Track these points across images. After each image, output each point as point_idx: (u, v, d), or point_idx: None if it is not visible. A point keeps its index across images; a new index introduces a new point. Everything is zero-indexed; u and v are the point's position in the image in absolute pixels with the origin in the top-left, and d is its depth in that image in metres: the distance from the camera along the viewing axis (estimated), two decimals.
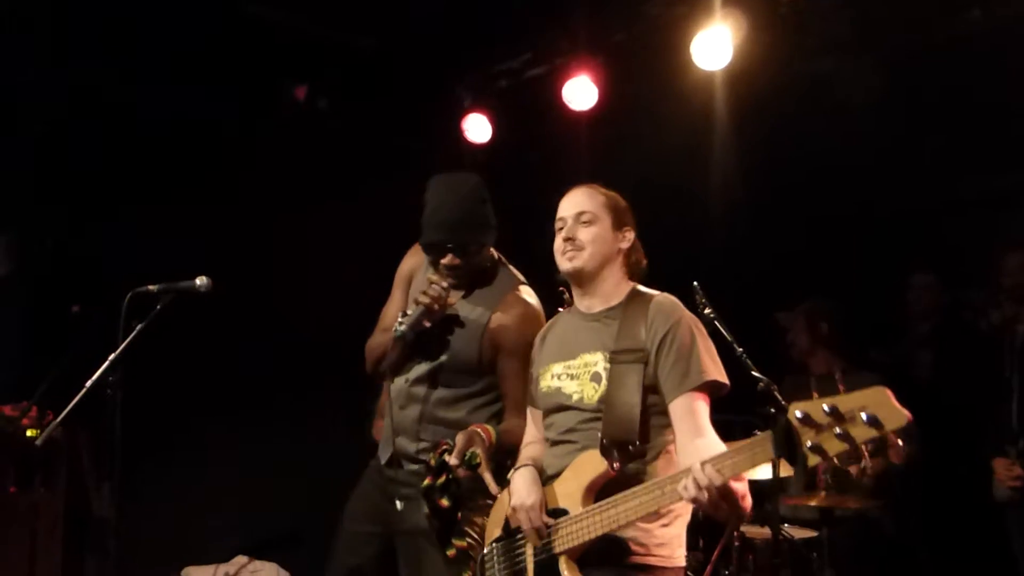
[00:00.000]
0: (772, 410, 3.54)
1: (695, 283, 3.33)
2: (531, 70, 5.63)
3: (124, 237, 4.94)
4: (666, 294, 2.69)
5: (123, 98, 5.00)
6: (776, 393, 3.57)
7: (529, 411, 2.88)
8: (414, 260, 3.33)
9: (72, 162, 4.95)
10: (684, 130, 5.18)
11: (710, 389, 2.53)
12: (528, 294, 3.20)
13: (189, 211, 5.08)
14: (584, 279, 2.73)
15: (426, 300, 3.03)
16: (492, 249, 3.25)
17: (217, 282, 3.37)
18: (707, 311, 3.41)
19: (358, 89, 5.68)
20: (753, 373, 3.55)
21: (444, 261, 3.08)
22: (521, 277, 3.28)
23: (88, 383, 3.22)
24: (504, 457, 3.04)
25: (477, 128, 5.77)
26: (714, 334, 2.81)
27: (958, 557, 4.48)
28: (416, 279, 3.28)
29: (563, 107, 5.35)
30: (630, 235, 2.76)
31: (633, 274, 2.78)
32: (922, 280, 5.00)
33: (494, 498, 2.83)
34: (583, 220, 2.71)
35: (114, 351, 3.24)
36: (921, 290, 5.00)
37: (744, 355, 3.53)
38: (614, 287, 2.72)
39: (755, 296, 4.92)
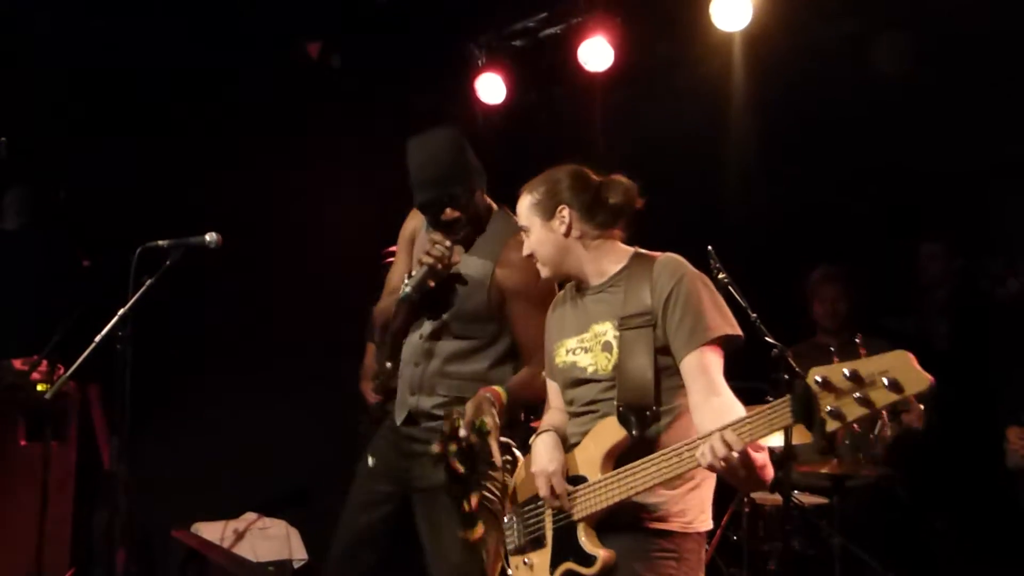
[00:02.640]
0: (785, 376, 3.55)
1: (709, 247, 3.30)
2: (546, 30, 5.55)
3: (135, 192, 4.92)
4: (670, 253, 2.58)
5: (135, 53, 4.95)
6: (790, 359, 3.57)
7: (548, 382, 2.85)
8: (415, 221, 3.32)
9: (82, 118, 4.92)
10: (702, 92, 5.10)
11: (722, 344, 2.45)
12: None
13: (201, 167, 5.06)
14: (563, 279, 2.72)
15: (430, 260, 3.03)
16: (488, 197, 3.23)
17: (227, 239, 3.36)
18: (721, 276, 3.39)
19: (371, 47, 5.62)
20: (767, 339, 3.55)
21: (443, 217, 3.08)
22: None
23: (98, 338, 3.23)
24: (519, 410, 3.04)
25: (491, 88, 5.70)
26: (728, 299, 2.75)
27: (971, 526, 4.46)
28: (418, 240, 3.27)
29: (579, 68, 5.28)
30: (565, 213, 2.60)
31: (614, 233, 2.65)
32: (929, 249, 4.95)
33: (512, 467, 2.84)
34: (525, 234, 2.69)
35: (124, 306, 3.25)
36: (929, 259, 4.95)
37: (758, 320, 3.52)
38: (602, 261, 2.62)
39: (771, 262, 4.87)
